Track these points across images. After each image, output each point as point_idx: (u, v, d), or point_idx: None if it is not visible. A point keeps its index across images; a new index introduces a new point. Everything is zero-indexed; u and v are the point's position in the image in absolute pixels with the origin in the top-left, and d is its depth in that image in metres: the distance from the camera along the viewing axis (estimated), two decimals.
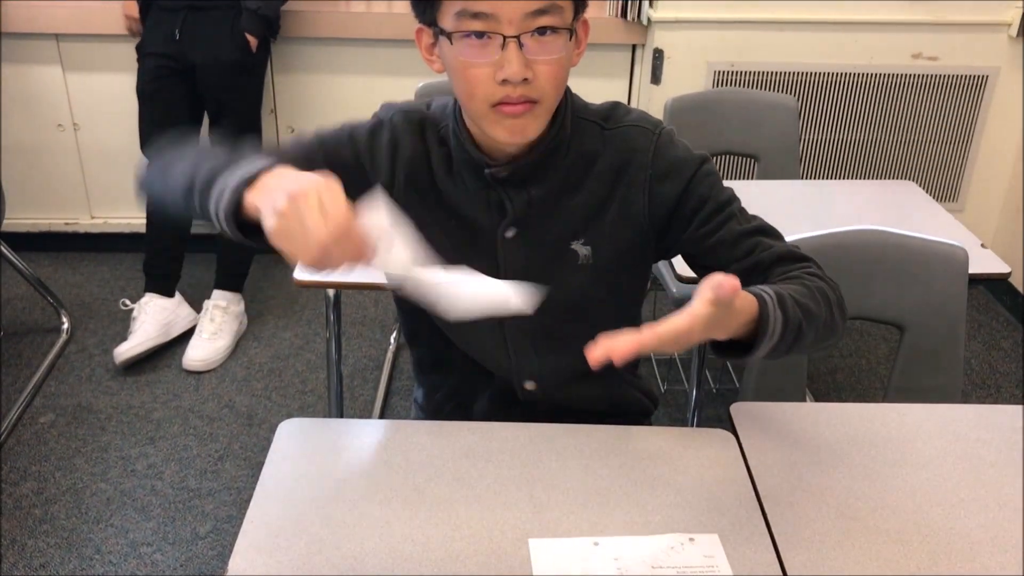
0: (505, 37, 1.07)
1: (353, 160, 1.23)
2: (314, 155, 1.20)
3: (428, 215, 1.24)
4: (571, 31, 1.11)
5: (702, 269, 1.28)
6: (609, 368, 1.38)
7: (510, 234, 1.24)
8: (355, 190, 1.21)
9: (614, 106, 1.27)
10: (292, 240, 0.90)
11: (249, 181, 0.97)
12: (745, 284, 1.19)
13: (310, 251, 0.89)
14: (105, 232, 3.41)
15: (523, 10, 1.07)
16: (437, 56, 1.17)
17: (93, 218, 3.41)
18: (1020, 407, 1.39)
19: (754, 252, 1.22)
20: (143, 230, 2.93)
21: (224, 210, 0.98)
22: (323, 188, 0.90)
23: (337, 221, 0.89)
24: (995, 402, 2.76)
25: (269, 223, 0.91)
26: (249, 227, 0.99)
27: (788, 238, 1.69)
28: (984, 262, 1.90)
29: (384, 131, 1.24)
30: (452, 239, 1.24)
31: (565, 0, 1.10)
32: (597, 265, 1.26)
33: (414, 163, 1.23)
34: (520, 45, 1.08)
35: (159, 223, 2.86)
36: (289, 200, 0.89)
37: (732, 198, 1.25)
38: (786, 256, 1.23)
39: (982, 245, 1.96)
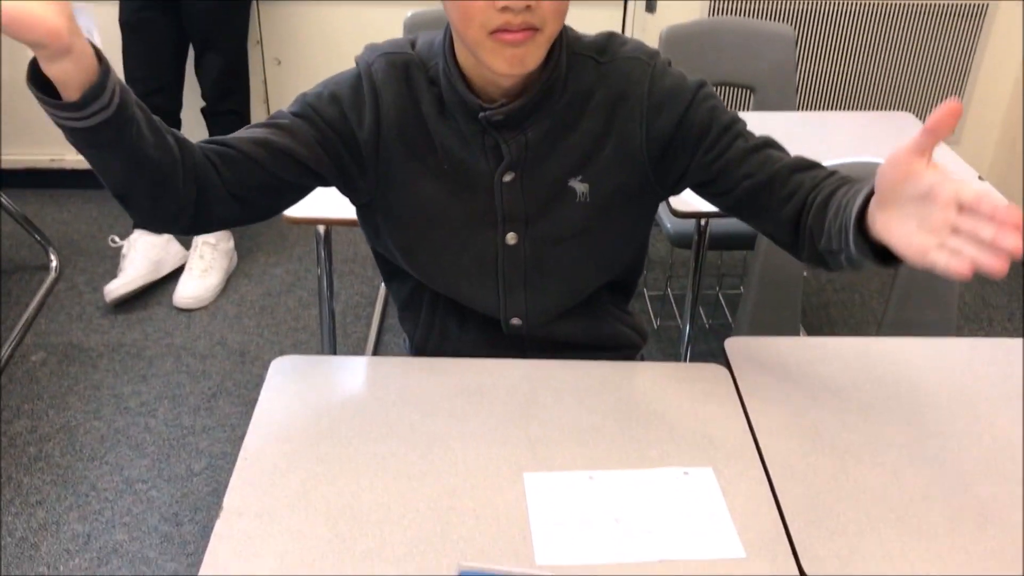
0: None
1: (341, 121, 1.18)
2: (304, 129, 1.17)
3: (422, 163, 1.21)
4: None
5: (716, 197, 1.24)
6: (597, 304, 1.38)
7: (508, 178, 1.21)
8: (350, 150, 1.19)
9: (609, 37, 1.23)
10: None
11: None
12: (762, 201, 1.18)
13: None
14: (91, 169, 3.35)
15: None
16: None
17: (78, 154, 3.35)
18: (1015, 340, 1.39)
19: (767, 165, 1.18)
20: None
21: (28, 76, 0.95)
22: None
23: None
24: (987, 335, 2.77)
25: None
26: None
27: None
28: None
29: (364, 82, 1.19)
30: (449, 184, 1.22)
31: None
32: (595, 202, 1.23)
33: (401, 111, 1.19)
34: None
35: None
36: None
37: (735, 119, 1.21)
38: (801, 165, 1.18)
39: (979, 178, 1.94)
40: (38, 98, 0.95)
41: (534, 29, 1.06)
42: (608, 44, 1.22)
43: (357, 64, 1.21)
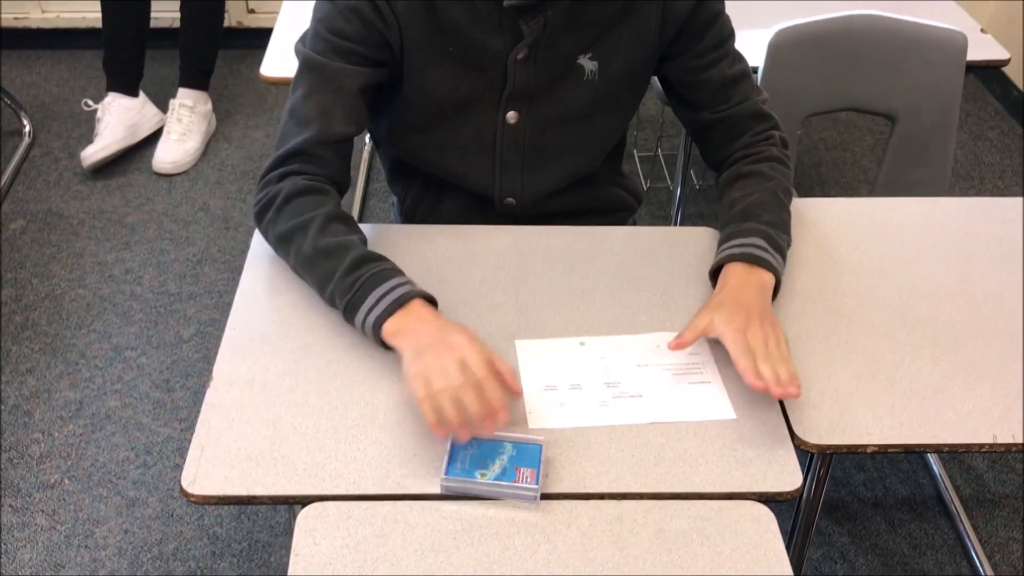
0: None
1: (368, 31, 1.13)
2: (349, 70, 1.14)
3: (429, 49, 1.16)
4: None
5: (678, 99, 1.28)
6: (592, 174, 1.35)
7: (521, 55, 1.17)
8: (386, 49, 1.15)
9: None
10: (434, 413, 0.94)
11: (383, 319, 1.02)
12: (708, 134, 1.28)
13: (451, 422, 0.93)
14: (59, 27, 3.22)
15: None
16: None
17: (44, 13, 3.21)
18: (1011, 199, 1.37)
19: (731, 102, 1.23)
20: (100, 25, 2.76)
21: (370, 332, 1.04)
22: (485, 376, 0.95)
23: (492, 407, 0.94)
24: (978, 193, 2.75)
25: (415, 386, 0.95)
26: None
27: (777, 26, 1.63)
28: (983, 48, 1.82)
29: None
30: (453, 66, 1.18)
31: None
32: (601, 80, 1.21)
33: (419, 14, 1.14)
34: None
35: (117, 16, 2.70)
36: (452, 398, 0.93)
37: (731, 35, 1.23)
38: (756, 115, 1.25)
39: (982, 30, 1.88)
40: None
41: None
42: None
43: None
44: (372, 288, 1.03)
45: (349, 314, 1.05)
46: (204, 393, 1.01)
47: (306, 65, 1.16)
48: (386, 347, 1.04)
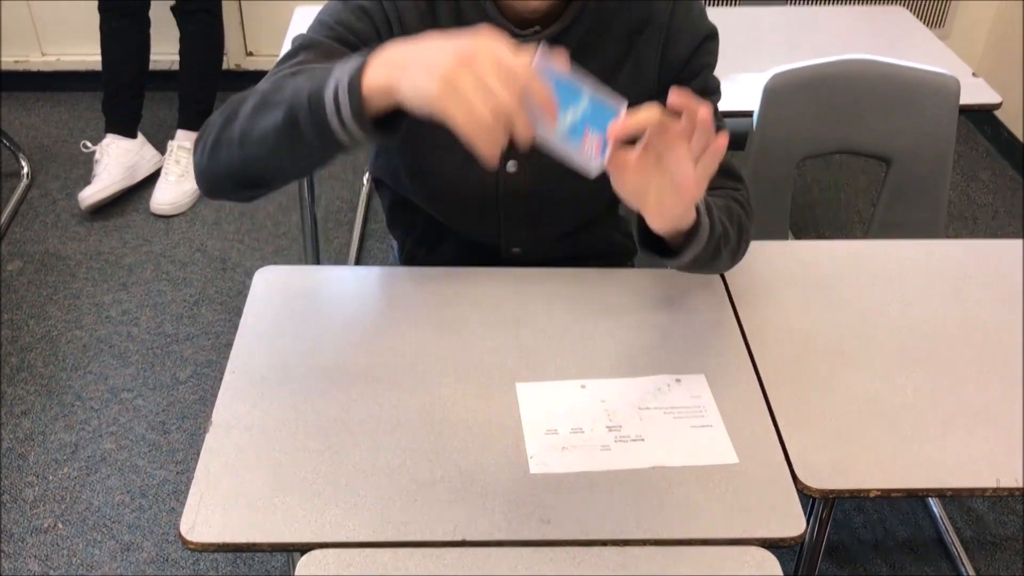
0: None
1: (375, 36, 1.11)
2: (337, 49, 1.09)
3: None
4: None
5: None
6: (593, 220, 1.35)
7: None
8: None
9: None
10: (462, 104, 0.80)
11: (361, 69, 0.88)
12: None
13: (486, 117, 0.80)
14: (59, 70, 3.24)
15: None
16: None
17: (44, 55, 3.24)
18: (1006, 241, 1.37)
19: None
20: (99, 67, 2.78)
21: (350, 107, 0.87)
22: (496, 47, 0.82)
23: (520, 80, 0.81)
24: (971, 233, 2.77)
25: (431, 87, 0.81)
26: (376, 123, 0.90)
27: (773, 70, 1.65)
28: (975, 92, 1.84)
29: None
30: None
31: None
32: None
33: (420, 22, 1.13)
34: None
35: (117, 59, 2.72)
36: (459, 62, 0.80)
37: (717, 89, 1.23)
38: (727, 170, 1.21)
39: (973, 74, 1.90)
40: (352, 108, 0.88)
41: None
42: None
43: None
44: (330, 71, 0.90)
45: (315, 109, 0.89)
46: (200, 435, 1.01)
47: (301, 45, 1.09)
48: (379, 130, 0.90)
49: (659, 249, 1.10)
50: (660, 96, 1.20)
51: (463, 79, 0.80)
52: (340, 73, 0.89)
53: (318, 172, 2.90)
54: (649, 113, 0.89)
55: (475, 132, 0.81)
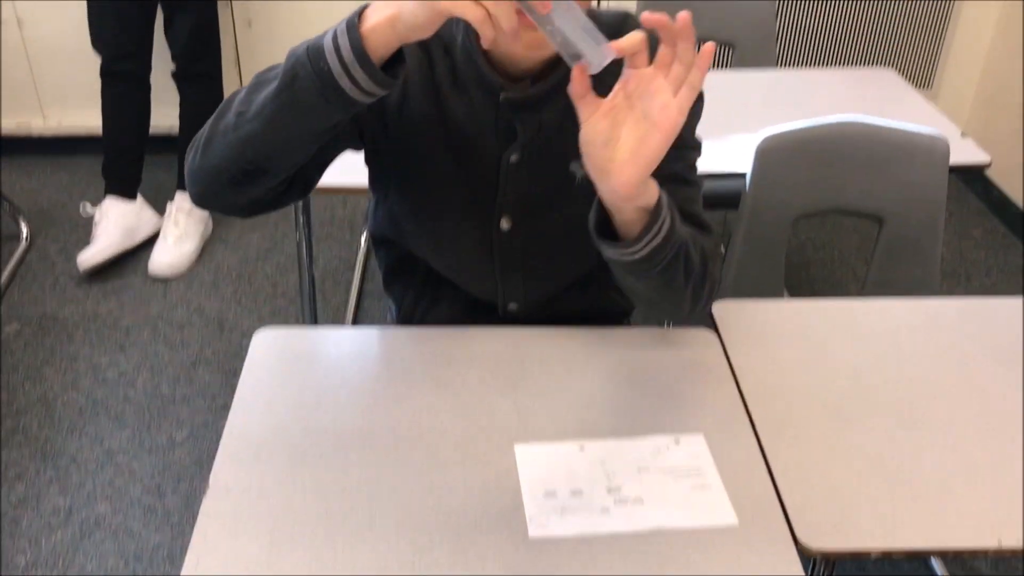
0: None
1: None
2: None
3: (428, 133, 1.17)
4: None
5: None
6: (590, 277, 1.36)
7: (514, 158, 1.18)
8: (379, 109, 1.14)
9: (624, 19, 1.20)
10: None
11: (357, 15, 0.89)
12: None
13: None
14: (60, 135, 3.28)
15: None
16: None
17: (46, 120, 3.28)
18: (1001, 299, 1.39)
19: (673, 199, 1.16)
20: (100, 132, 2.82)
21: (350, 47, 0.88)
22: None
23: None
24: (965, 290, 2.79)
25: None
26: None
27: (766, 130, 1.67)
28: (964, 152, 1.87)
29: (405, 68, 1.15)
30: (454, 160, 1.19)
31: None
32: (591, 186, 1.22)
33: (421, 76, 1.15)
34: None
35: (118, 123, 2.76)
36: None
37: (697, 147, 1.23)
38: (698, 222, 1.19)
39: (962, 134, 1.93)
40: (362, 63, 0.89)
41: None
42: (623, 26, 1.20)
43: None
44: (321, 38, 0.90)
45: (315, 58, 0.89)
46: (196, 498, 1.01)
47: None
48: (384, 69, 0.90)
49: (614, 242, 1.07)
50: None
51: None
52: (337, 25, 0.89)
53: (315, 232, 2.92)
54: (637, 36, 0.91)
55: (486, 18, 0.83)
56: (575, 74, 0.93)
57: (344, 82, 0.89)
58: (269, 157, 1.00)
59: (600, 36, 0.90)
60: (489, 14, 0.85)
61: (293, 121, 0.95)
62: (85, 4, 2.66)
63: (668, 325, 1.37)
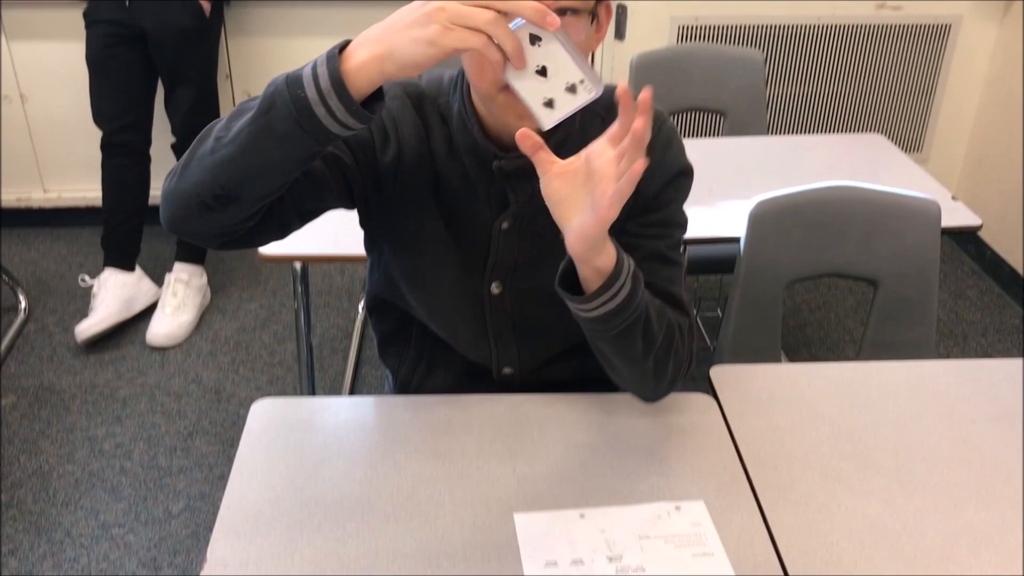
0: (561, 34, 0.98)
1: (368, 143, 1.15)
2: (336, 148, 1.12)
3: (422, 197, 1.19)
4: (593, 14, 1.05)
5: None
6: (584, 343, 1.37)
7: (506, 225, 1.20)
8: (371, 172, 1.16)
9: (615, 90, 1.23)
10: (459, 32, 0.85)
11: (339, 48, 0.89)
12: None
13: (482, 26, 0.85)
14: (59, 207, 3.31)
15: None
16: None
17: (46, 192, 3.31)
18: (997, 360, 1.39)
19: (652, 276, 1.19)
20: (99, 203, 2.84)
21: (329, 77, 0.88)
22: None
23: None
24: (962, 351, 2.79)
25: (427, 33, 0.85)
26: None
27: (759, 196, 1.69)
28: (955, 215, 1.89)
29: (385, 110, 1.15)
30: (448, 226, 1.21)
31: None
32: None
33: (417, 142, 1.18)
34: None
35: (117, 195, 2.78)
36: (436, 6, 0.85)
37: (681, 224, 1.24)
38: (673, 299, 1.20)
39: (953, 197, 1.96)
40: (339, 94, 0.89)
41: None
42: (614, 102, 1.22)
43: None
44: (301, 68, 0.91)
45: (293, 86, 0.89)
46: (192, 570, 0.99)
47: None
48: (364, 109, 0.90)
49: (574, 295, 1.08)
50: (625, 223, 1.23)
51: (449, 10, 0.85)
52: (318, 57, 0.90)
53: (313, 301, 2.93)
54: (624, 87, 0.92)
55: (488, 43, 0.86)
56: (518, 135, 0.95)
57: (319, 110, 0.90)
58: (241, 183, 0.98)
59: (593, 74, 0.91)
60: (490, 38, 0.86)
61: (267, 148, 0.94)
62: (88, 79, 2.71)
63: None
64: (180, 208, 1.02)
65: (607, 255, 1.03)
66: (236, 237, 1.06)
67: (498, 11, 0.86)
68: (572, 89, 0.92)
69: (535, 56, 0.90)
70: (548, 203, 0.99)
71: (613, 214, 0.95)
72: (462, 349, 1.31)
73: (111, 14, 2.63)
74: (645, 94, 0.90)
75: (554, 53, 0.90)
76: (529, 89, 0.92)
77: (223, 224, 1.03)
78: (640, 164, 0.91)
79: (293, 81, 0.90)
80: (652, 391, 1.23)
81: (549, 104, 0.92)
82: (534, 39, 0.90)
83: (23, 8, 2.99)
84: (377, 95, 0.92)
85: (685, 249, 2.02)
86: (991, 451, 1.20)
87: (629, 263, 1.06)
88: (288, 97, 0.90)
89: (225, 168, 0.96)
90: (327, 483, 1.12)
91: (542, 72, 0.91)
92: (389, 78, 0.89)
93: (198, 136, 1.01)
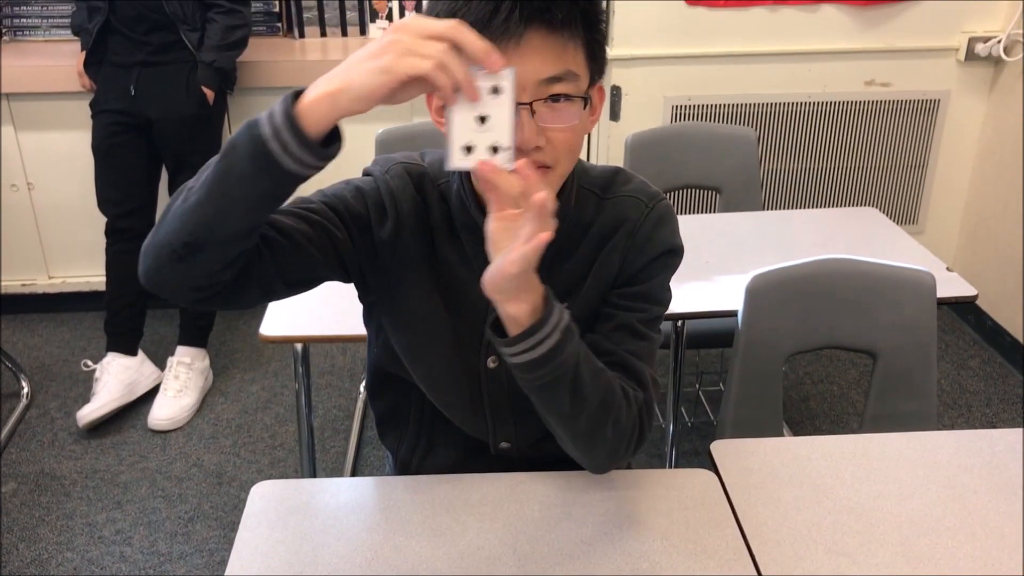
0: (518, 104, 1.01)
1: (364, 217, 1.18)
2: (334, 219, 1.15)
3: (427, 275, 1.21)
4: (586, 99, 1.09)
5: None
6: None
7: None
8: (368, 247, 1.19)
9: (615, 173, 1.26)
10: (415, 59, 0.87)
11: (296, 92, 0.92)
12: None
13: (439, 57, 0.87)
14: (63, 292, 3.34)
15: (538, 76, 1.03)
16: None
17: (51, 278, 3.34)
18: (998, 431, 1.39)
19: (622, 347, 1.20)
20: (102, 288, 2.87)
21: (283, 114, 0.91)
22: (415, 17, 0.90)
23: (448, 28, 0.89)
24: (967, 421, 2.77)
25: (382, 62, 0.88)
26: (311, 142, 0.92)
27: (754, 271, 1.71)
28: (951, 285, 1.91)
29: (383, 187, 1.19)
30: (446, 302, 1.22)
31: (581, 68, 1.07)
32: (578, 324, 1.24)
33: (416, 220, 1.20)
34: (532, 112, 1.04)
35: (121, 280, 2.81)
36: (394, 36, 0.88)
37: (663, 302, 1.25)
38: (637, 375, 1.20)
39: (948, 268, 1.98)
40: (298, 138, 0.91)
41: (546, 167, 1.08)
42: (613, 180, 1.25)
43: (370, 172, 1.22)
44: (257, 117, 0.93)
45: (251, 128, 0.92)
46: None
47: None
48: (322, 152, 0.92)
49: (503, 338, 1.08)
50: (608, 293, 1.24)
51: (404, 42, 0.88)
52: (270, 124, 0.92)
53: (314, 382, 2.93)
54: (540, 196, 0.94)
55: (438, 68, 0.87)
56: (479, 165, 0.96)
57: (274, 146, 0.91)
58: (207, 228, 0.98)
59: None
60: (442, 63, 0.88)
61: (229, 189, 0.95)
62: (93, 168, 2.77)
63: (669, 459, 1.36)
64: (153, 260, 1.03)
65: (522, 304, 1.04)
66: (212, 293, 1.05)
67: (451, 42, 0.89)
68: (495, 150, 0.94)
69: (485, 103, 0.92)
70: (486, 239, 1.02)
71: (514, 271, 0.98)
72: (459, 422, 1.32)
73: (117, 104, 2.70)
74: (538, 198, 0.93)
75: (502, 112, 0.93)
76: (460, 124, 0.94)
77: (193, 276, 1.02)
78: (544, 236, 0.95)
79: (253, 123, 0.93)
80: (591, 459, 1.21)
81: (468, 149, 0.94)
82: (496, 90, 0.92)
83: (31, 100, 3.06)
84: (335, 136, 0.94)
85: (683, 325, 2.05)
86: (995, 522, 1.19)
87: (560, 318, 1.07)
88: (247, 137, 0.92)
89: (192, 214, 0.98)
90: (327, 566, 1.11)
91: (481, 120, 0.93)
92: (344, 113, 0.91)
93: (176, 191, 1.03)
